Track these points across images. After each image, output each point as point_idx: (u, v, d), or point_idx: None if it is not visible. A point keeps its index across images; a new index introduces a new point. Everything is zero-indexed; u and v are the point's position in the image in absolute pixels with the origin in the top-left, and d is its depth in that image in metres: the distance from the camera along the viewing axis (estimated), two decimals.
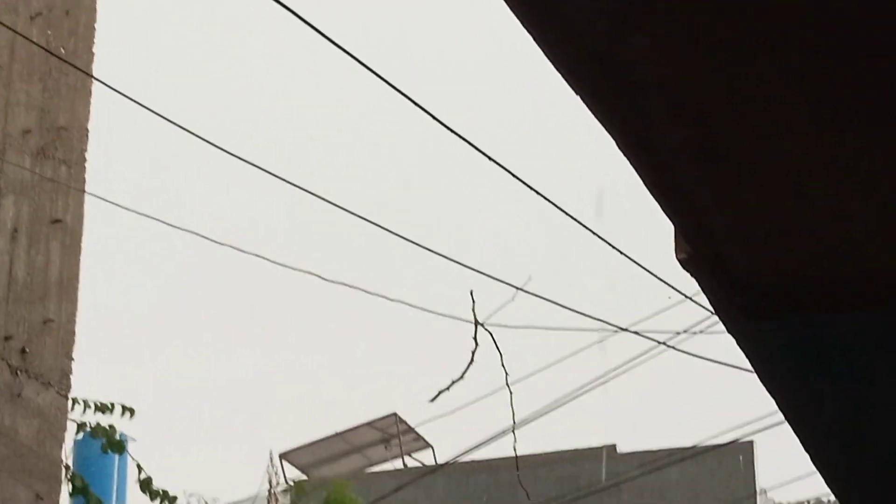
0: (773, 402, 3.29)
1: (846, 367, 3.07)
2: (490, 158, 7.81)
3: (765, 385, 3.15)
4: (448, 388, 9.09)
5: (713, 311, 2.94)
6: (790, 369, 3.09)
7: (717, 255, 2.52)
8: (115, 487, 12.75)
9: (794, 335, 2.85)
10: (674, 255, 2.61)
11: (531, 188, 8.19)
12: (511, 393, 9.02)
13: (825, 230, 2.46)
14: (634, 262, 9.03)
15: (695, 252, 2.54)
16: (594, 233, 8.61)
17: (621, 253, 8.85)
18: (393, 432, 23.84)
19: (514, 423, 9.78)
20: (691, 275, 2.62)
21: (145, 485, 9.52)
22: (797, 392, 3.18)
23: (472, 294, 9.55)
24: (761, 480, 21.91)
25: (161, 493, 9.41)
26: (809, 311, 2.70)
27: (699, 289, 2.82)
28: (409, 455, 23.64)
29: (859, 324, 2.81)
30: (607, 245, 8.70)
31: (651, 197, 2.36)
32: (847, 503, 3.97)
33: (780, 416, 3.37)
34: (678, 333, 12.31)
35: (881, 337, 2.90)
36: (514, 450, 9.40)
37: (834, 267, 2.57)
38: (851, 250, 2.51)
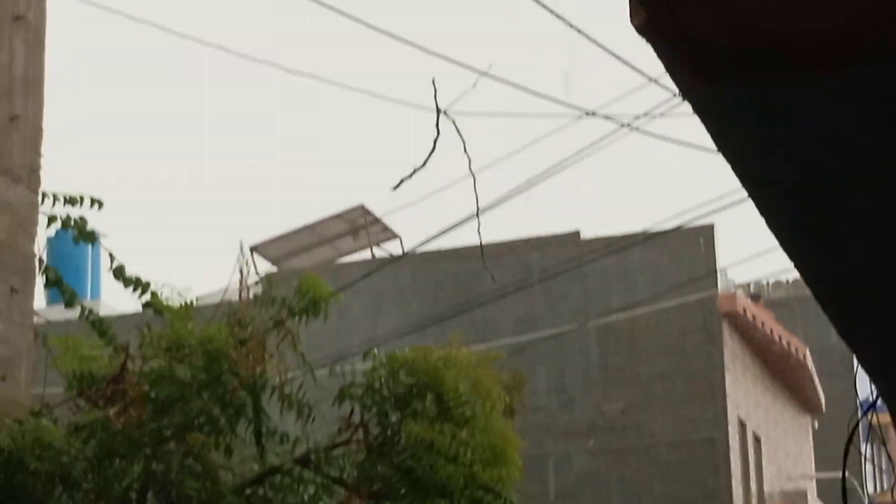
0: (732, 175, 3.33)
1: (801, 131, 3.07)
2: None
3: (722, 152, 3.17)
4: (411, 176, 9.08)
5: (671, 76, 2.95)
6: (746, 134, 3.10)
7: (672, 16, 2.54)
8: (88, 280, 12.81)
9: (750, 97, 2.86)
10: (629, 21, 2.63)
11: None
12: (474, 179, 9.03)
13: None
14: (594, 41, 8.97)
15: (650, 16, 2.56)
16: (554, 13, 8.51)
17: (580, 32, 8.79)
18: (361, 223, 23.88)
19: (478, 208, 9.78)
20: (647, 40, 2.63)
21: (118, 272, 9.50)
22: (754, 158, 3.20)
23: (433, 82, 9.50)
24: (721, 262, 22.06)
25: (134, 279, 9.42)
26: (765, 72, 2.73)
27: (661, 65, 2.84)
28: (377, 245, 23.68)
29: (815, 86, 2.83)
30: (568, 26, 8.63)
31: None
32: (808, 274, 3.97)
33: (740, 195, 3.43)
34: (639, 117, 12.27)
35: (837, 99, 2.92)
36: (479, 234, 9.43)
37: (789, 25, 2.58)
38: (806, 6, 2.51)
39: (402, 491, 8.27)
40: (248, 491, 8.73)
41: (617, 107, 14.13)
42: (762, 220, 3.46)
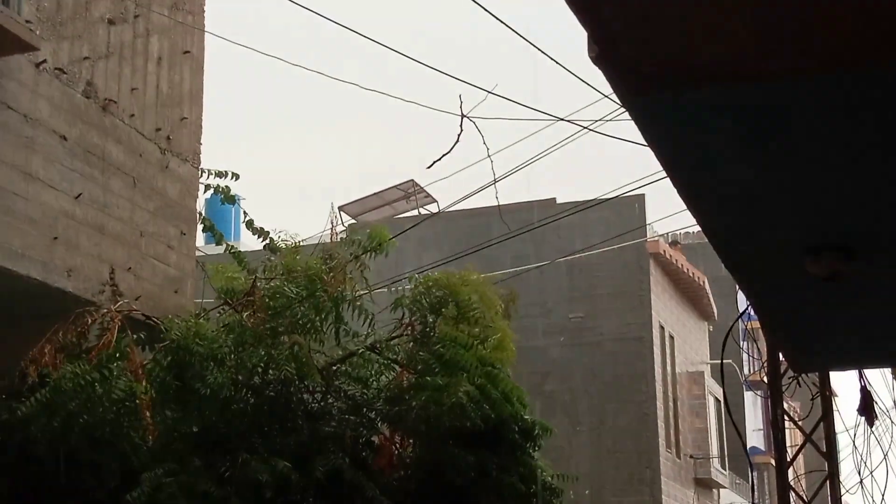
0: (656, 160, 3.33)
1: (696, 129, 3.07)
2: None
3: (650, 145, 3.16)
4: (440, 159, 9.05)
5: (615, 91, 2.95)
6: (665, 132, 3.08)
7: (615, 51, 2.54)
8: (231, 227, 12.92)
9: (666, 105, 2.86)
10: (587, 54, 2.63)
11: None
12: (491, 158, 8.95)
13: (689, 24, 2.47)
14: (561, 65, 8.87)
15: (601, 50, 2.55)
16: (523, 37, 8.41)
17: (549, 57, 8.71)
18: (411, 192, 24.21)
19: (495, 181, 9.70)
20: (599, 67, 2.64)
21: (249, 223, 9.59)
22: (669, 148, 3.19)
23: (460, 97, 9.59)
24: (650, 218, 22.27)
25: (259, 229, 9.48)
26: (678, 86, 2.72)
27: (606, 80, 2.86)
28: (422, 207, 23.87)
29: (715, 97, 2.83)
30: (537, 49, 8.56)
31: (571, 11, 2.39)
32: (705, 227, 3.91)
33: (663, 174, 3.41)
34: (596, 122, 12.16)
35: (729, 108, 2.91)
36: (497, 198, 9.35)
37: (691, 55, 2.58)
38: (707, 39, 2.51)
39: (437, 369, 8.26)
40: (334, 367, 8.77)
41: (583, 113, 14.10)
42: (676, 190, 3.45)
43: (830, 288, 3.77)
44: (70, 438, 7.39)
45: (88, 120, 8.13)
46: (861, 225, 3.54)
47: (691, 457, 24.48)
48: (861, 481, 7.49)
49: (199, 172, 9.66)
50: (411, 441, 8.72)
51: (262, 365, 8.39)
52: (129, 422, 7.58)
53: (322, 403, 8.56)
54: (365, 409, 8.67)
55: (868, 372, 8.00)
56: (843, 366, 6.76)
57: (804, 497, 7.87)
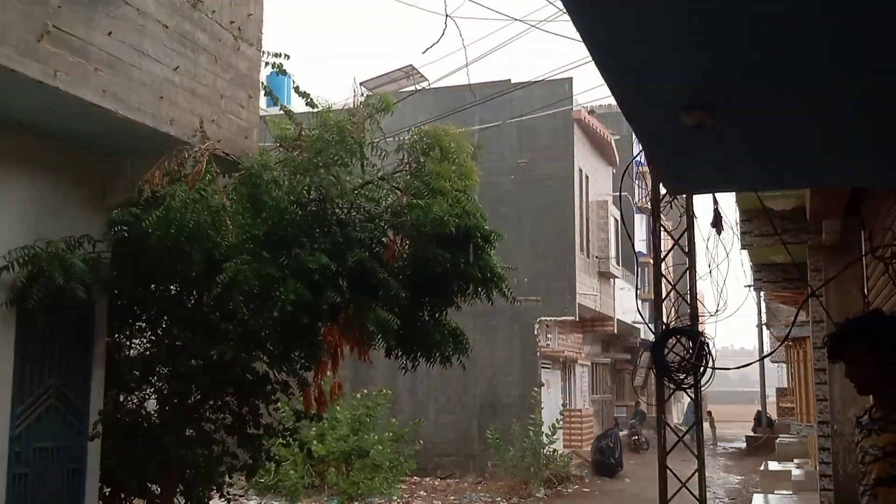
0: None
1: (615, 16, 2.95)
2: None
3: (577, 31, 3.07)
4: (430, 48, 8.93)
5: None
6: (588, 17, 2.98)
7: None
8: (284, 94, 12.65)
9: None
10: None
11: None
12: (465, 48, 8.76)
13: None
14: None
15: None
16: None
17: None
18: (410, 73, 23.79)
19: (467, 62, 9.48)
20: None
21: (296, 89, 9.45)
22: (591, 32, 3.09)
23: (444, 1, 9.41)
24: (568, 93, 22.21)
25: (304, 93, 9.33)
26: None
27: None
28: (418, 84, 23.46)
29: None
30: None
31: None
32: (614, 91, 3.79)
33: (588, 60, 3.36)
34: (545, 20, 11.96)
35: None
36: (468, 78, 9.22)
37: None
38: None
39: (425, 193, 8.26)
40: (356, 191, 8.73)
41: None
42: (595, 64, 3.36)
43: (697, 133, 3.74)
44: (177, 237, 7.44)
45: (183, 14, 7.89)
46: (722, 88, 3.50)
47: (597, 257, 24.82)
48: (710, 271, 7.61)
49: (261, 53, 9.41)
50: (407, 242, 8.76)
51: (307, 188, 8.38)
52: (215, 227, 7.61)
53: (348, 215, 8.57)
54: (377, 220, 8.69)
55: (719, 197, 8.06)
56: (703, 190, 6.78)
57: (671, 282, 7.98)
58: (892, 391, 3.24)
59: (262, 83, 9.79)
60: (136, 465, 8.17)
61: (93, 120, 7.12)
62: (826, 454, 10.76)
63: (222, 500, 9.77)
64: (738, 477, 22.65)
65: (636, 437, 28.07)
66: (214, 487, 9.06)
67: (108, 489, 8.40)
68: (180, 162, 7.80)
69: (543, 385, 22.21)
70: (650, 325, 7.89)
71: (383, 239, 8.71)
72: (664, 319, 7.75)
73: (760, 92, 3.56)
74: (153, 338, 8.89)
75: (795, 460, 17.41)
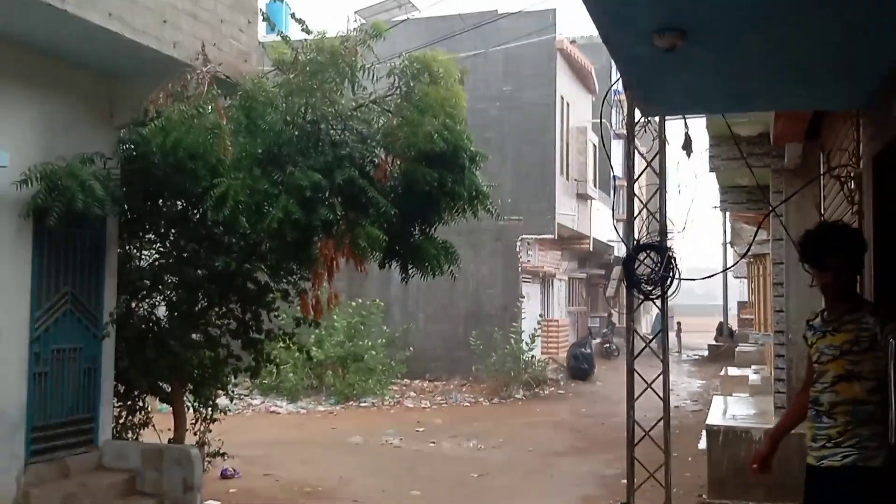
0: None
1: None
2: None
3: None
4: None
5: None
6: None
7: None
8: (282, 22, 12.29)
9: None
10: None
11: None
12: None
13: None
14: None
15: None
16: None
17: None
18: (403, 2, 23.31)
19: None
20: None
21: (293, 15, 9.20)
22: None
23: None
24: (559, 25, 21.92)
25: (300, 19, 9.06)
26: None
27: None
28: (409, 14, 23.00)
29: None
30: None
31: None
32: (597, 25, 3.71)
33: None
34: None
35: None
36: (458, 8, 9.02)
37: None
38: None
39: (414, 114, 8.16)
40: (349, 113, 8.60)
41: None
42: None
43: (670, 57, 3.70)
44: (177, 153, 7.38)
45: None
46: (692, 13, 3.45)
47: (575, 180, 24.76)
48: (679, 191, 7.64)
49: None
50: (398, 162, 8.69)
51: (302, 109, 8.24)
52: (214, 145, 7.54)
53: (341, 136, 8.43)
54: (368, 140, 8.55)
55: (690, 122, 8.02)
56: (675, 112, 6.74)
57: (643, 201, 7.99)
58: (847, 297, 3.31)
59: (262, 10, 9.57)
60: (147, 366, 8.26)
61: (100, 42, 6.99)
62: (781, 360, 10.96)
63: (229, 398, 9.95)
64: (701, 381, 23.09)
65: (607, 345, 28.46)
66: (221, 387, 9.18)
67: (123, 387, 8.52)
68: (183, 84, 7.70)
69: (524, 297, 22.42)
70: (624, 240, 7.93)
71: (375, 160, 8.63)
72: (636, 236, 7.80)
73: (728, 17, 3.51)
74: (161, 249, 8.90)
75: (753, 367, 17.72)
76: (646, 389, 7.40)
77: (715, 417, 11.34)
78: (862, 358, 3.12)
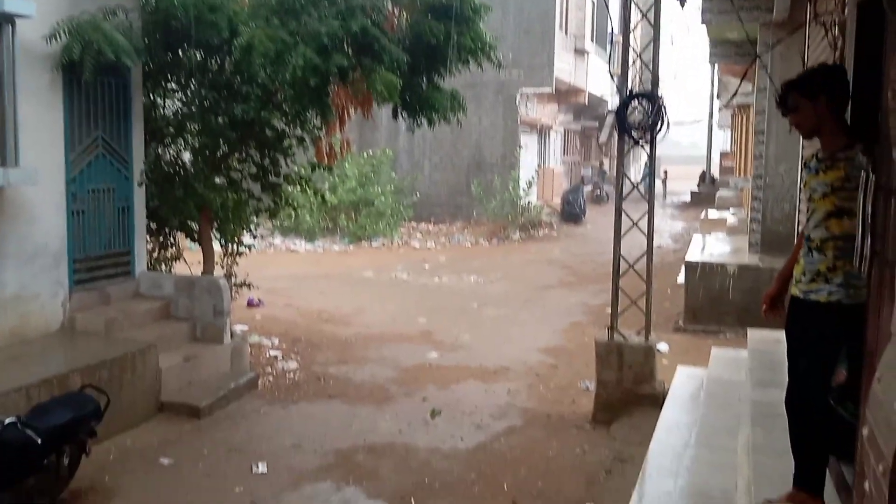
0: None
1: None
2: None
3: None
4: None
5: None
6: None
7: None
8: None
9: None
10: None
11: None
12: None
13: None
14: None
15: None
16: None
17: None
18: None
19: None
20: None
21: None
22: None
23: None
24: None
25: None
26: None
27: None
28: None
29: None
30: None
31: None
32: None
33: None
34: None
35: None
36: None
37: None
38: None
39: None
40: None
41: None
42: None
43: None
44: (197, 5, 7.11)
45: None
46: None
47: (574, 35, 24.00)
48: (672, 41, 7.40)
49: None
50: (405, 14, 8.38)
51: None
52: None
53: None
54: None
55: None
56: None
57: (637, 51, 7.77)
58: (832, 133, 3.14)
59: None
60: (175, 206, 8.31)
61: None
62: (757, 203, 11.00)
63: (252, 236, 10.05)
64: (682, 224, 23.27)
65: (598, 192, 28.49)
66: (244, 225, 9.27)
67: (154, 225, 8.62)
68: None
69: (522, 147, 22.25)
70: (618, 88, 7.75)
71: (383, 11, 8.31)
72: (629, 85, 7.64)
73: None
74: (183, 99, 8.75)
75: (731, 209, 17.81)
76: (632, 227, 7.45)
77: (693, 254, 11.51)
78: (853, 195, 2.93)
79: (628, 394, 7.04)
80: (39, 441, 4.63)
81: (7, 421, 4.63)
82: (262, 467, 5.82)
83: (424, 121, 8.69)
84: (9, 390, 5.42)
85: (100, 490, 5.38)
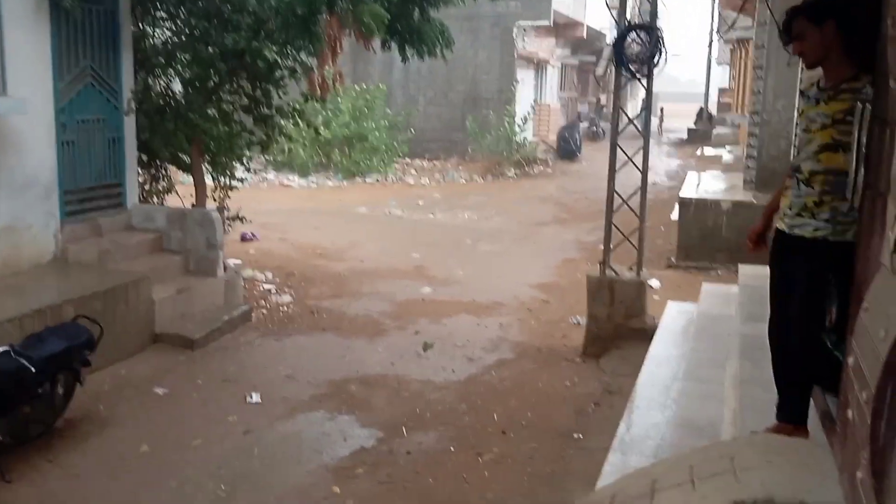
0: None
1: None
2: None
3: None
4: None
5: None
6: None
7: None
8: None
9: None
10: None
11: None
12: None
13: None
14: None
15: None
16: None
17: None
18: None
19: None
20: None
21: None
22: None
23: None
24: None
25: None
26: None
27: None
28: None
29: None
30: None
31: None
32: None
33: None
34: None
35: None
36: None
37: None
38: None
39: None
40: None
41: None
42: None
43: None
44: None
45: None
46: None
47: None
48: None
49: None
50: None
51: None
52: None
53: None
54: None
55: None
56: None
57: None
58: (839, 62, 2.98)
59: None
60: (166, 138, 8.20)
61: None
62: (753, 139, 10.93)
63: (245, 170, 9.96)
64: (678, 161, 23.15)
65: (594, 129, 28.27)
66: (236, 158, 9.18)
67: (146, 157, 8.52)
68: None
69: (518, 82, 21.95)
70: (616, 20, 7.60)
71: None
72: (627, 18, 7.50)
73: None
74: (173, 28, 8.56)
75: (727, 147, 17.71)
76: (626, 162, 7.40)
77: (688, 190, 11.48)
78: (853, 129, 2.78)
79: (619, 328, 7.10)
80: (33, 369, 4.66)
81: (0, 349, 4.65)
82: (255, 397, 5.88)
83: (415, 53, 8.53)
84: (2, 320, 5.43)
85: (95, 419, 5.44)
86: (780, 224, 3.13)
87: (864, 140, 2.69)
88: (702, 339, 5.51)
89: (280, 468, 4.87)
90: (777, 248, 3.16)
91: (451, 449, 5.18)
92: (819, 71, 3.16)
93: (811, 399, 3.16)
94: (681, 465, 3.07)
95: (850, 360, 2.44)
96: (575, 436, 5.40)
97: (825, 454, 2.80)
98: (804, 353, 3.03)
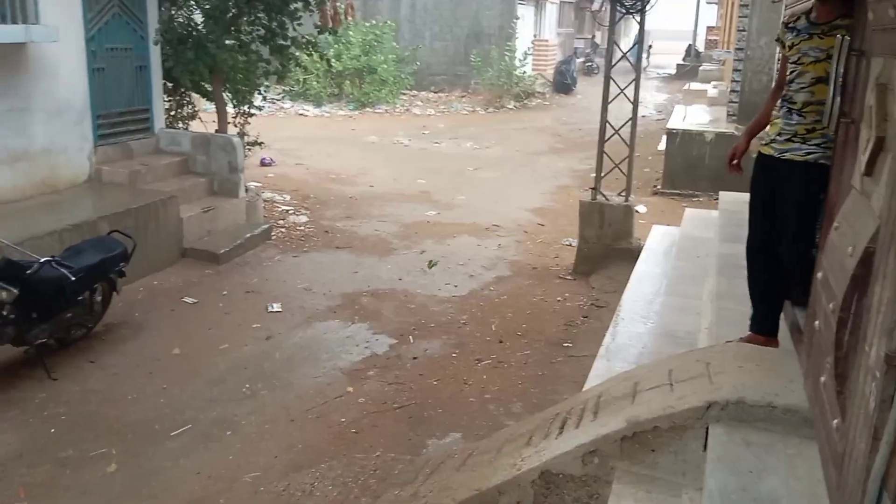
0: None
1: None
2: None
3: None
4: None
5: None
6: None
7: None
8: None
9: None
10: None
11: None
12: None
13: None
14: None
15: None
16: None
17: None
18: None
19: None
20: None
21: None
22: None
23: None
24: None
25: None
26: None
27: None
28: None
29: None
30: None
31: None
32: None
33: None
34: None
35: None
36: None
37: None
38: None
39: None
40: None
41: None
42: None
43: None
44: None
45: None
46: None
47: None
48: None
49: None
50: None
51: None
52: None
53: None
54: None
55: None
56: None
57: None
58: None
59: None
60: (189, 66, 8.06)
61: None
62: (738, 75, 10.73)
63: (262, 98, 9.83)
64: (666, 95, 22.77)
65: (590, 64, 27.71)
66: (254, 88, 9.04)
67: (171, 84, 8.40)
68: None
69: (518, 19, 21.42)
70: None
71: None
72: None
73: None
74: None
75: (713, 82, 17.40)
76: (619, 94, 7.29)
77: (675, 122, 11.34)
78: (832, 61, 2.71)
79: (607, 249, 7.13)
80: (73, 278, 4.71)
81: (43, 259, 4.69)
82: (276, 307, 5.96)
83: None
84: (43, 234, 5.47)
85: (131, 324, 5.53)
86: (766, 150, 3.05)
87: (841, 71, 2.64)
88: (682, 259, 5.54)
89: (299, 370, 4.97)
90: (760, 172, 3.09)
91: (453, 355, 5.27)
92: (803, 5, 3.06)
93: (782, 313, 3.19)
94: (660, 370, 3.13)
95: (819, 275, 2.46)
96: (565, 344, 5.49)
97: (792, 361, 2.85)
98: (780, 269, 3.00)
